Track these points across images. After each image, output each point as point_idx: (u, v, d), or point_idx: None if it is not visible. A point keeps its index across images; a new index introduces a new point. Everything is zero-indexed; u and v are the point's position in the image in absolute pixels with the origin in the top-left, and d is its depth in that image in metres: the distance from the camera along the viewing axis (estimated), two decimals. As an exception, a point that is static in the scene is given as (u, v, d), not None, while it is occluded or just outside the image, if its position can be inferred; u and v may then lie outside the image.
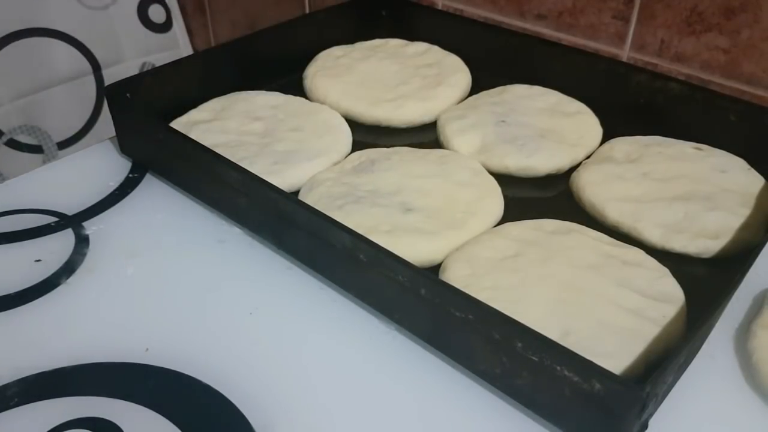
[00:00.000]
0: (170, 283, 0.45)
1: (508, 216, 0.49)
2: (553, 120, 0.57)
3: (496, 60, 0.66)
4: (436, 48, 0.69)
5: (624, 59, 0.66)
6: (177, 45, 1.16)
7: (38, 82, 1.00)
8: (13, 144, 0.99)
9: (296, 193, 0.50)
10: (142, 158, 0.57)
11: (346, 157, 0.54)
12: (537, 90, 0.62)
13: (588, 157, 0.54)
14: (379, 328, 0.42)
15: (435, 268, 0.44)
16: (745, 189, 0.49)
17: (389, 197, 0.48)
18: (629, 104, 0.59)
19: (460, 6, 0.77)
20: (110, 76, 1.06)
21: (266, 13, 1.02)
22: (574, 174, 0.52)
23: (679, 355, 0.34)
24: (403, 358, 0.40)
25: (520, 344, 0.34)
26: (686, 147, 0.54)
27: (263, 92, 0.61)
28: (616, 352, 0.37)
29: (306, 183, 0.51)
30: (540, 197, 0.52)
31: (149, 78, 0.60)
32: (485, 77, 0.64)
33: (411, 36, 0.71)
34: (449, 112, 0.59)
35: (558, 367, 0.33)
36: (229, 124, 0.57)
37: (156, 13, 1.12)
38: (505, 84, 0.63)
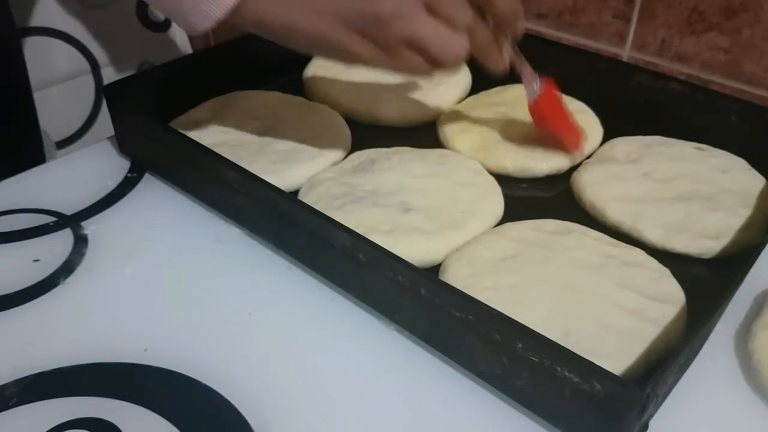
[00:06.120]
0: (169, 283, 0.45)
1: (508, 216, 0.48)
2: (554, 120, 0.57)
3: (496, 59, 0.66)
4: (436, 47, 0.68)
5: (624, 59, 0.66)
6: (176, 44, 1.16)
7: (36, 81, 0.99)
8: (11, 143, 0.99)
9: (296, 192, 0.50)
10: (141, 158, 0.56)
11: (346, 156, 0.54)
12: (537, 90, 0.61)
13: (588, 157, 0.54)
14: (378, 328, 0.42)
15: (435, 268, 0.44)
16: (746, 189, 0.49)
17: (389, 197, 0.48)
18: (630, 104, 0.59)
19: (460, 5, 0.76)
20: (109, 76, 1.06)
21: (266, 12, 1.02)
22: (575, 174, 0.52)
23: (680, 355, 0.34)
24: (402, 359, 0.40)
25: (520, 345, 0.34)
26: (687, 147, 0.54)
27: (263, 92, 0.61)
28: (616, 353, 0.37)
29: (305, 183, 0.51)
30: (540, 197, 0.52)
31: (148, 77, 0.60)
32: (485, 77, 0.63)
33: (411, 35, 0.70)
34: (449, 112, 0.59)
35: (558, 368, 0.33)
36: (229, 124, 0.56)
37: (155, 12, 1.11)
38: (505, 84, 0.62)
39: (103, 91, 0.58)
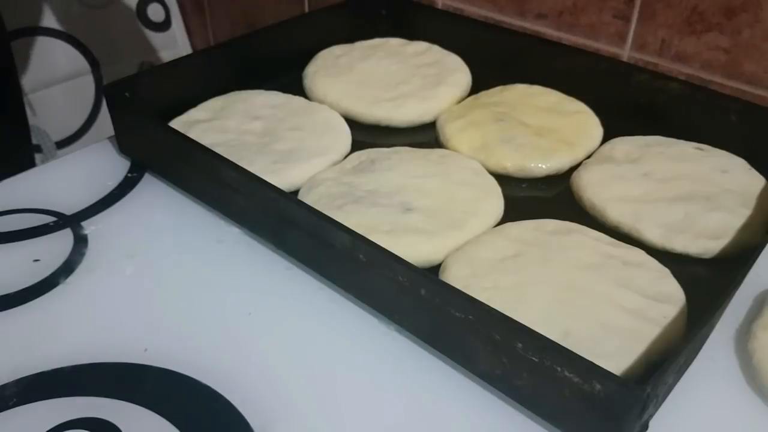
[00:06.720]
0: (169, 283, 0.45)
1: (508, 216, 0.48)
2: (553, 120, 0.57)
3: (496, 60, 0.66)
4: (436, 47, 0.69)
5: (624, 59, 0.66)
6: (176, 44, 1.16)
7: (37, 81, 1.00)
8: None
9: (296, 192, 0.50)
10: (141, 158, 0.56)
11: (346, 156, 0.54)
12: (537, 90, 0.62)
13: (588, 157, 0.54)
14: (378, 328, 0.42)
15: (435, 269, 0.44)
16: (746, 189, 0.49)
17: (389, 197, 0.48)
18: (630, 104, 0.59)
19: (460, 5, 0.76)
20: (109, 75, 1.06)
21: (265, 12, 1.02)
22: (575, 174, 0.52)
23: (680, 355, 0.34)
24: (402, 359, 0.40)
25: (520, 345, 0.34)
26: (687, 147, 0.54)
27: (263, 91, 0.61)
28: (616, 353, 0.37)
29: (306, 183, 0.51)
30: (540, 197, 0.52)
31: (148, 77, 0.60)
32: (485, 77, 0.64)
33: (411, 35, 0.71)
34: (449, 112, 0.59)
35: (558, 368, 0.33)
36: (229, 124, 0.56)
37: (155, 12, 1.12)
38: (505, 84, 0.63)
39: (103, 91, 0.58)
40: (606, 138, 0.56)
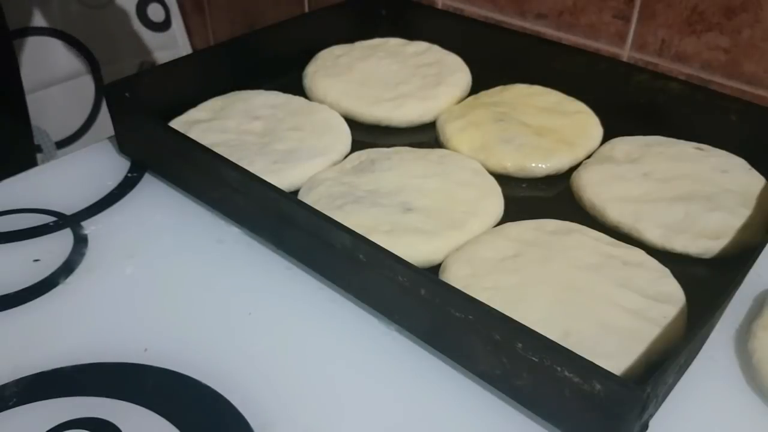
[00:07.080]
0: (169, 283, 0.45)
1: (508, 216, 0.48)
2: (553, 120, 0.57)
3: (496, 60, 0.66)
4: (436, 47, 0.69)
5: (624, 59, 0.66)
6: (176, 44, 1.16)
7: (37, 81, 1.00)
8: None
9: (296, 192, 0.50)
10: (141, 158, 0.56)
11: (346, 156, 0.54)
12: (537, 90, 0.62)
13: (588, 157, 0.54)
14: (378, 328, 0.42)
15: (435, 269, 0.44)
16: (746, 189, 0.49)
17: (389, 197, 0.48)
18: (629, 104, 0.59)
19: (460, 5, 0.76)
20: (109, 75, 1.06)
21: (265, 12, 1.02)
22: (575, 174, 0.52)
23: (680, 355, 0.34)
24: (402, 359, 0.40)
25: (520, 345, 0.34)
26: (687, 147, 0.54)
27: (263, 91, 0.61)
28: (616, 353, 0.37)
29: (306, 183, 0.51)
30: (540, 197, 0.52)
31: (148, 77, 0.60)
32: (485, 77, 0.64)
33: (411, 35, 0.71)
34: (449, 112, 0.59)
35: (558, 368, 0.33)
36: (229, 124, 0.56)
37: (155, 12, 1.12)
38: (505, 84, 0.63)
39: (103, 91, 0.58)
40: (606, 138, 0.56)
